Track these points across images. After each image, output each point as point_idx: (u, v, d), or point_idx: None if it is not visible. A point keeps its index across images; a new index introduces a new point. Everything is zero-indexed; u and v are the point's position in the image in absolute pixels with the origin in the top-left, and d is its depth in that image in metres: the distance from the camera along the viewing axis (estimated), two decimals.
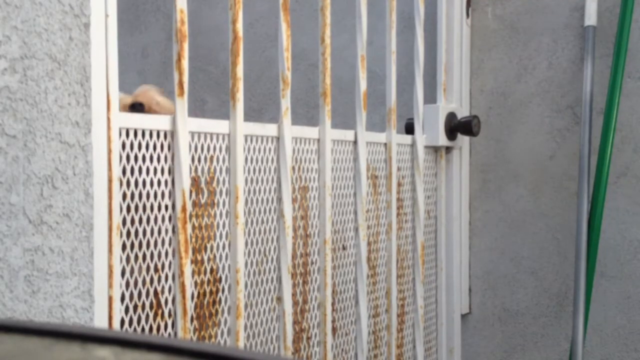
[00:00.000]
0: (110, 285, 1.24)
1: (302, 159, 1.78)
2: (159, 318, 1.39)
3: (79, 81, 1.16)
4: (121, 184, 1.30)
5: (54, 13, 1.11)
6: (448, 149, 2.44)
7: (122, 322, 1.30)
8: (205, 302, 1.49)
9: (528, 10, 2.46)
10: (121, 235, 1.29)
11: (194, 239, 1.45)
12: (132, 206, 1.34)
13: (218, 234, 1.51)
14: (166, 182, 1.40)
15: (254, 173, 1.63)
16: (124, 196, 1.32)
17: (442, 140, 2.37)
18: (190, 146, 1.45)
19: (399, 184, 2.17)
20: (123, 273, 1.30)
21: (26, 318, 1.08)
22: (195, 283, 1.46)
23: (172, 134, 1.41)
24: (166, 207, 1.40)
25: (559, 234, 2.42)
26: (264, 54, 2.75)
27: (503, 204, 2.50)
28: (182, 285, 1.39)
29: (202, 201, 1.48)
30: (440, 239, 2.42)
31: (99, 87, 1.21)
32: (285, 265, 1.66)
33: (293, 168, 1.73)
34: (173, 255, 1.40)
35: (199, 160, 1.48)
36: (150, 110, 1.87)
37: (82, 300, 1.17)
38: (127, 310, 1.32)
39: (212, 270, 1.50)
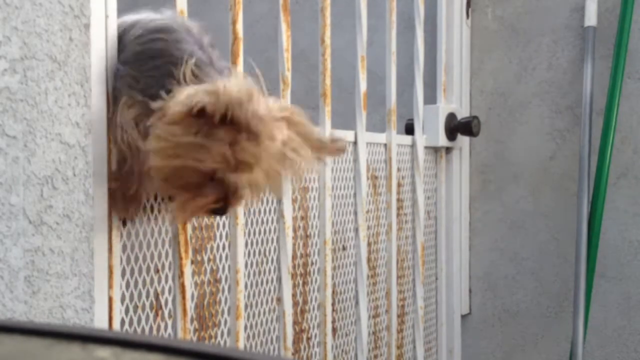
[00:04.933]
0: (110, 286, 1.24)
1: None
2: (159, 319, 1.39)
3: (79, 82, 1.16)
4: None
5: (54, 14, 1.11)
6: (448, 150, 2.44)
7: (122, 322, 1.30)
8: (205, 303, 1.49)
9: (528, 11, 2.46)
10: (121, 236, 1.29)
11: (194, 240, 1.45)
12: None
13: (218, 235, 1.52)
14: None
15: None
16: None
17: (442, 140, 2.38)
18: None
19: (399, 185, 2.17)
20: (123, 274, 1.30)
21: (26, 319, 1.08)
22: (195, 284, 1.46)
23: None
24: (166, 207, 1.40)
25: (559, 235, 2.42)
26: (264, 54, 2.75)
27: (503, 205, 2.50)
28: (182, 285, 1.39)
29: None
30: (440, 240, 2.42)
31: (99, 88, 1.21)
32: (285, 266, 1.66)
33: None
34: (173, 256, 1.40)
35: None
36: (243, 128, 1.07)
37: (83, 301, 1.17)
38: (127, 310, 1.32)
39: (212, 271, 1.50)
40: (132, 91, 1.18)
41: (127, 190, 1.22)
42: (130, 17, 1.29)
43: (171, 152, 1.10)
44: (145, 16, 1.28)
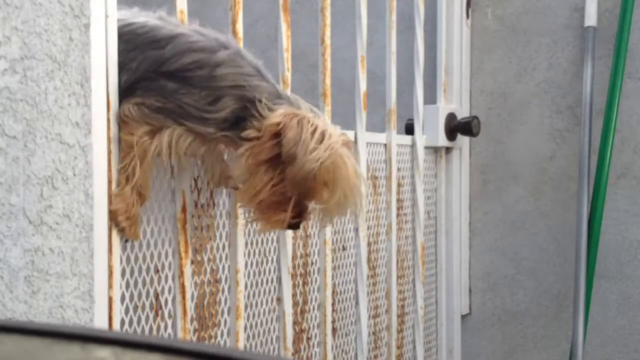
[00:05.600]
0: (110, 286, 1.24)
1: None
2: (159, 319, 1.39)
3: (79, 82, 1.16)
4: None
5: (54, 14, 1.12)
6: (448, 150, 2.44)
7: (122, 322, 1.30)
8: (205, 303, 1.49)
9: (528, 11, 2.46)
10: (121, 236, 1.29)
11: (194, 240, 1.45)
12: None
13: (218, 235, 1.51)
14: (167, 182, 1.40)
15: None
16: None
17: (442, 140, 2.37)
18: None
19: (399, 185, 2.16)
20: (123, 274, 1.31)
21: (26, 319, 1.08)
22: (195, 284, 1.46)
23: None
24: (166, 207, 1.40)
25: (559, 235, 2.42)
26: (264, 54, 2.75)
27: (503, 205, 2.50)
28: (182, 285, 1.39)
29: (202, 201, 1.48)
30: (440, 240, 2.42)
31: (99, 88, 1.21)
32: (285, 266, 1.66)
33: None
34: (173, 256, 1.40)
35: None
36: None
37: (82, 301, 1.17)
38: (127, 310, 1.32)
39: (212, 271, 1.50)
40: (207, 126, 1.28)
41: (129, 211, 1.26)
42: (138, 20, 1.30)
43: (258, 178, 1.27)
44: (162, 24, 1.30)
